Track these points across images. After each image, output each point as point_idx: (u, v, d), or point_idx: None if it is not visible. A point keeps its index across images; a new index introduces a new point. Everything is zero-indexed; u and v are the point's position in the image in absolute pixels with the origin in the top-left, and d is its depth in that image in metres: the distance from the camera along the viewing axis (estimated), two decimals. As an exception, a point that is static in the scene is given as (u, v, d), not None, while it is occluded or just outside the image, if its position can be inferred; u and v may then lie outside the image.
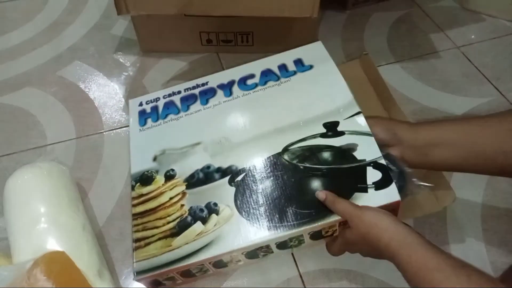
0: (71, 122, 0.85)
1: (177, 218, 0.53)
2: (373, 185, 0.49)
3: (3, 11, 1.11)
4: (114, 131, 0.84)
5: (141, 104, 0.67)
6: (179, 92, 0.66)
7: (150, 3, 0.82)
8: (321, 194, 0.50)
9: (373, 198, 0.49)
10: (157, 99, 0.66)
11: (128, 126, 0.84)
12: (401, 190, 0.50)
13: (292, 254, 0.66)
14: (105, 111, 0.87)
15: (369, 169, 0.51)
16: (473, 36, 1.02)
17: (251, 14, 0.81)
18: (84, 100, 0.89)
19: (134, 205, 0.56)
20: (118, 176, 0.76)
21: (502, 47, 0.99)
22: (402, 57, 0.97)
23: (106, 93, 0.91)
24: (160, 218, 0.54)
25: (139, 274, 0.51)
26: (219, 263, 0.53)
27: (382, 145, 0.53)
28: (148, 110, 0.65)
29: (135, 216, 0.55)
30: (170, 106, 0.64)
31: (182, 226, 0.52)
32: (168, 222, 0.53)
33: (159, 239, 0.52)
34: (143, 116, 0.65)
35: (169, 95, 0.66)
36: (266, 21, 0.88)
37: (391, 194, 0.48)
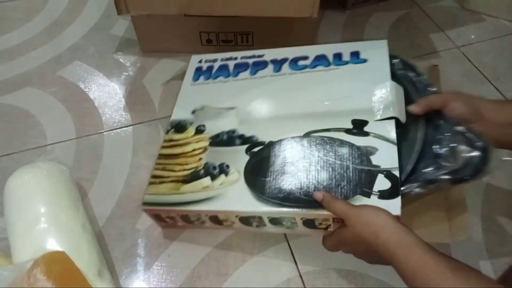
0: (71, 122, 0.85)
1: (192, 168, 0.58)
2: (378, 193, 0.49)
3: (3, 11, 1.11)
4: (114, 131, 0.84)
5: (200, 62, 0.72)
6: (235, 58, 0.70)
7: (150, 3, 0.82)
8: (318, 195, 0.49)
9: None
10: (215, 60, 0.71)
11: (128, 126, 0.85)
12: (484, 168, 0.48)
13: (292, 254, 0.66)
14: (105, 111, 0.87)
15: (380, 177, 0.50)
16: (473, 36, 1.02)
17: (251, 14, 0.81)
18: (84, 100, 0.89)
19: (163, 147, 0.62)
20: (118, 176, 0.76)
21: (502, 47, 0.99)
22: (402, 57, 0.97)
23: (106, 93, 0.91)
24: (179, 164, 0.60)
25: (145, 204, 0.58)
26: (214, 219, 0.57)
27: (461, 120, 0.51)
28: (204, 68, 0.71)
29: (160, 156, 0.62)
30: (223, 69, 0.69)
31: (194, 177, 0.58)
32: (184, 170, 0.59)
33: (172, 181, 0.58)
34: (198, 72, 0.70)
35: (226, 59, 0.71)
36: (266, 21, 0.88)
37: (393, 206, 0.47)
